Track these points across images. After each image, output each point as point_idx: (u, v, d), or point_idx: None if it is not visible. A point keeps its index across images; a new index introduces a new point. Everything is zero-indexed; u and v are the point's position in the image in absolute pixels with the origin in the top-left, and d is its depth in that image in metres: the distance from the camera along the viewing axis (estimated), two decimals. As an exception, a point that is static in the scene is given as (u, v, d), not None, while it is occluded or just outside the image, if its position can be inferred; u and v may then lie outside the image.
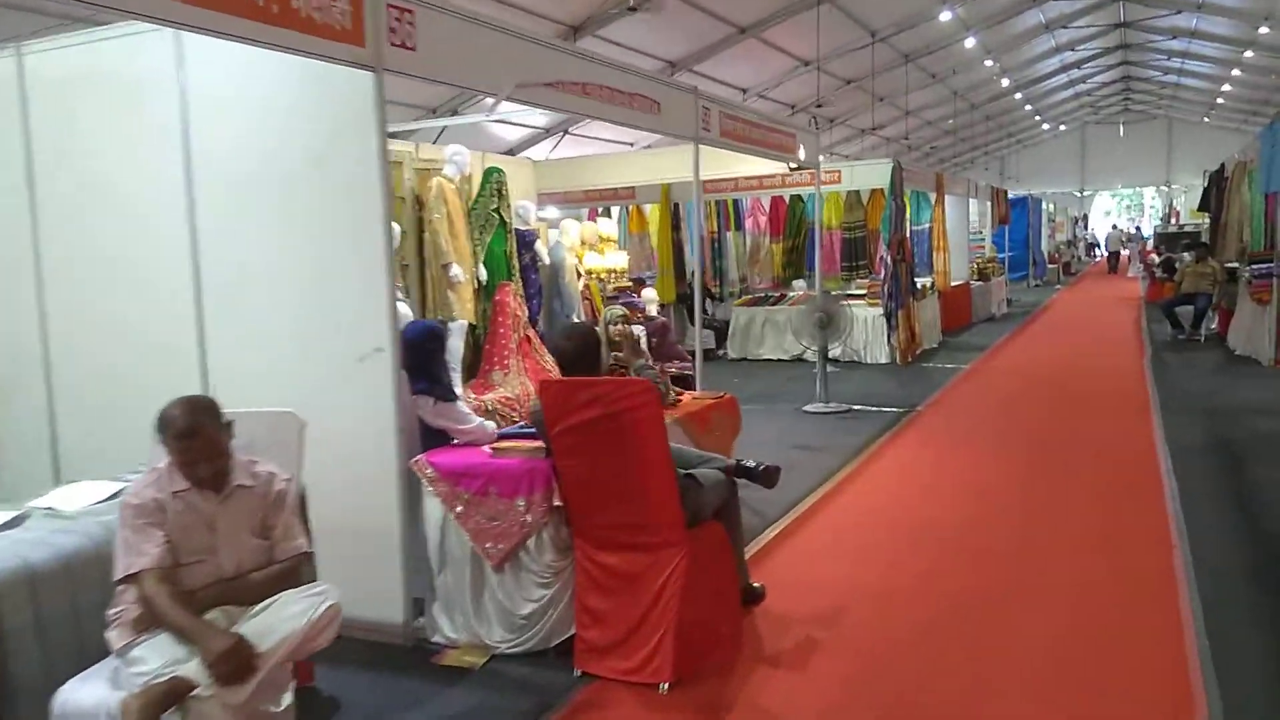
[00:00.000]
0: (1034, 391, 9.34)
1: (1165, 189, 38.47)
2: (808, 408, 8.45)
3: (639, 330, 5.97)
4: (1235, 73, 28.32)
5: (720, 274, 13.49)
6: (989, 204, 17.31)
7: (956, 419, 8.08)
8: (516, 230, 8.15)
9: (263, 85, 3.79)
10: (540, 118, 17.33)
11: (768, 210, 14.26)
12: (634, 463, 3.23)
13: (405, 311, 5.11)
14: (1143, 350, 11.46)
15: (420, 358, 3.82)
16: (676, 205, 12.59)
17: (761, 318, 12.07)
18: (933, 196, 13.33)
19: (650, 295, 9.28)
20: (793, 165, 8.35)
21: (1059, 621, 3.77)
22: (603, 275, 8.76)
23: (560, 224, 8.66)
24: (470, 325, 7.30)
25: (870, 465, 6.44)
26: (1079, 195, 40.79)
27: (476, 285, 7.59)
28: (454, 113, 18.91)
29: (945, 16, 21.20)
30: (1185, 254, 16.89)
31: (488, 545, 3.53)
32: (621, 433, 3.20)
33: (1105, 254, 30.81)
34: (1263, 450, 6.36)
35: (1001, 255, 18.87)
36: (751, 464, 3.84)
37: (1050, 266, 25.13)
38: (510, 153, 16.97)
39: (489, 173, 7.73)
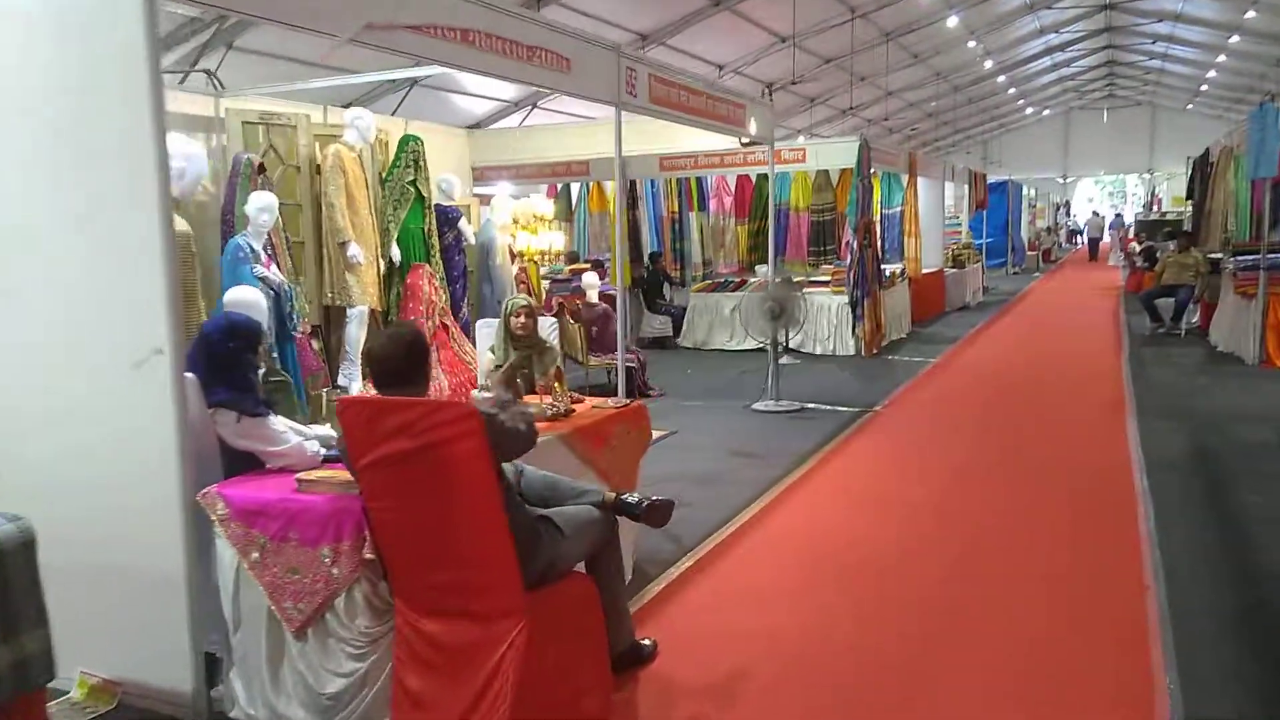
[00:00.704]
0: (1003, 389, 8.62)
1: (1148, 176, 37.93)
2: (757, 406, 7.71)
3: (548, 324, 5.16)
4: (1221, 59, 27.68)
5: (681, 257, 12.70)
6: (966, 188, 16.56)
7: (917, 421, 7.36)
8: (438, 206, 7.35)
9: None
10: (506, 89, 16.42)
11: (733, 190, 13.47)
12: (454, 510, 2.47)
13: (250, 299, 4.30)
14: (1120, 344, 10.78)
15: (221, 361, 3.03)
16: (633, 183, 11.78)
17: (720, 304, 11.30)
18: (905, 179, 12.57)
19: (591, 280, 8.50)
20: (744, 140, 7.58)
21: (1006, 690, 3.05)
22: (534, 257, 7.96)
23: (491, 201, 7.84)
24: (379, 311, 6.51)
25: (813, 477, 5.70)
26: (1062, 181, 40.21)
27: (387, 266, 6.81)
28: (414, 82, 18.05)
29: (928, -7, 20.36)
30: (1167, 243, 16.24)
31: (287, 605, 2.76)
32: (437, 471, 2.44)
33: (1088, 240, 30.26)
34: (1247, 467, 5.66)
35: (979, 241, 18.16)
36: (633, 499, 3.09)
37: (1030, 253, 24.46)
38: (477, 126, 16.05)
39: (404, 141, 6.91)
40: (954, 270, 14.91)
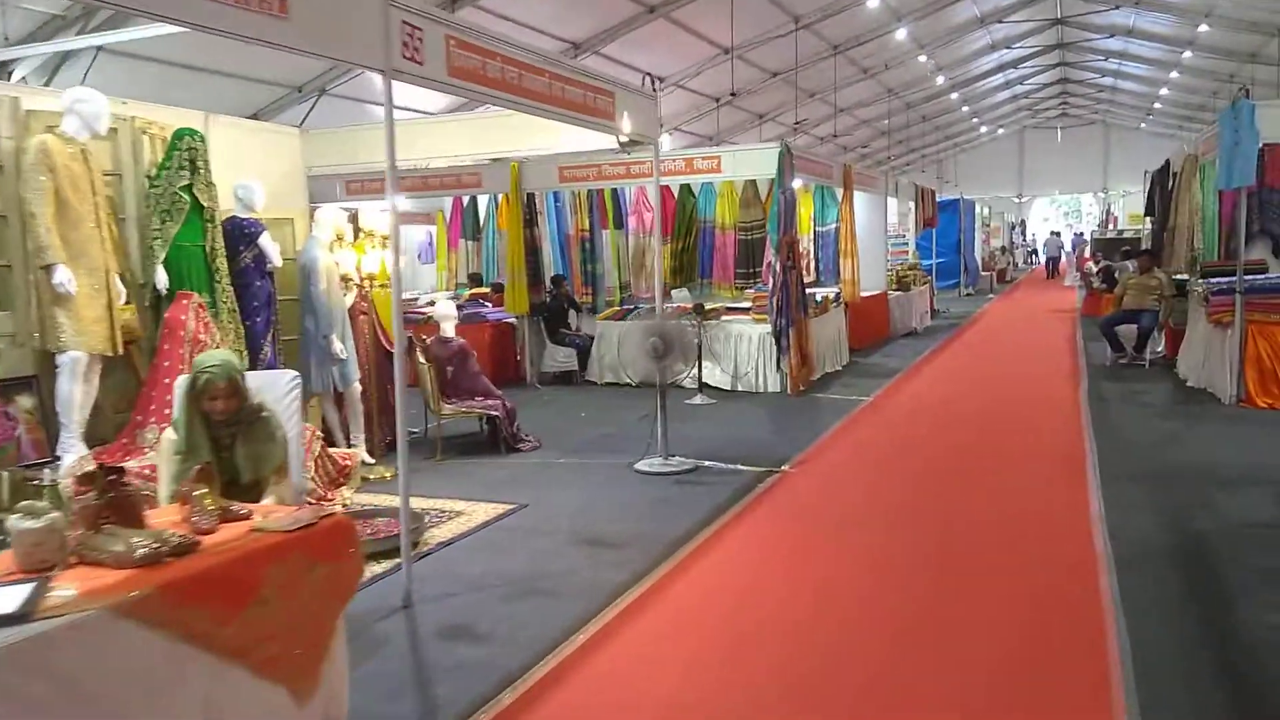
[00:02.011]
0: (943, 439, 7.17)
1: (1102, 195, 37.31)
2: (641, 465, 6.18)
3: (257, 388, 3.57)
4: (1173, 75, 26.93)
5: (594, 280, 11.18)
6: (913, 204, 15.25)
7: (833, 486, 5.88)
8: (233, 220, 5.78)
9: None
10: (438, 99, 14.82)
11: (654, 206, 11.99)
12: None
13: None
14: (1079, 377, 9.41)
15: None
16: (531, 196, 10.28)
17: (631, 334, 9.79)
18: (840, 193, 11.19)
19: (445, 311, 6.95)
20: (622, 140, 6.11)
21: None
22: (381, 281, 6.40)
23: (315, 213, 6.27)
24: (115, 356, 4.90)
25: (675, 584, 4.17)
26: (1017, 201, 39.52)
27: (153, 295, 5.23)
28: (322, 91, 16.48)
29: (873, 3, 19.17)
30: (1126, 262, 15.02)
31: None
32: None
33: (1044, 260, 29.45)
34: (1250, 565, 4.22)
35: (929, 262, 16.86)
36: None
37: (983, 274, 23.27)
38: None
39: (178, 136, 5.34)
40: (898, 293, 13.54)
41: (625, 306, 10.44)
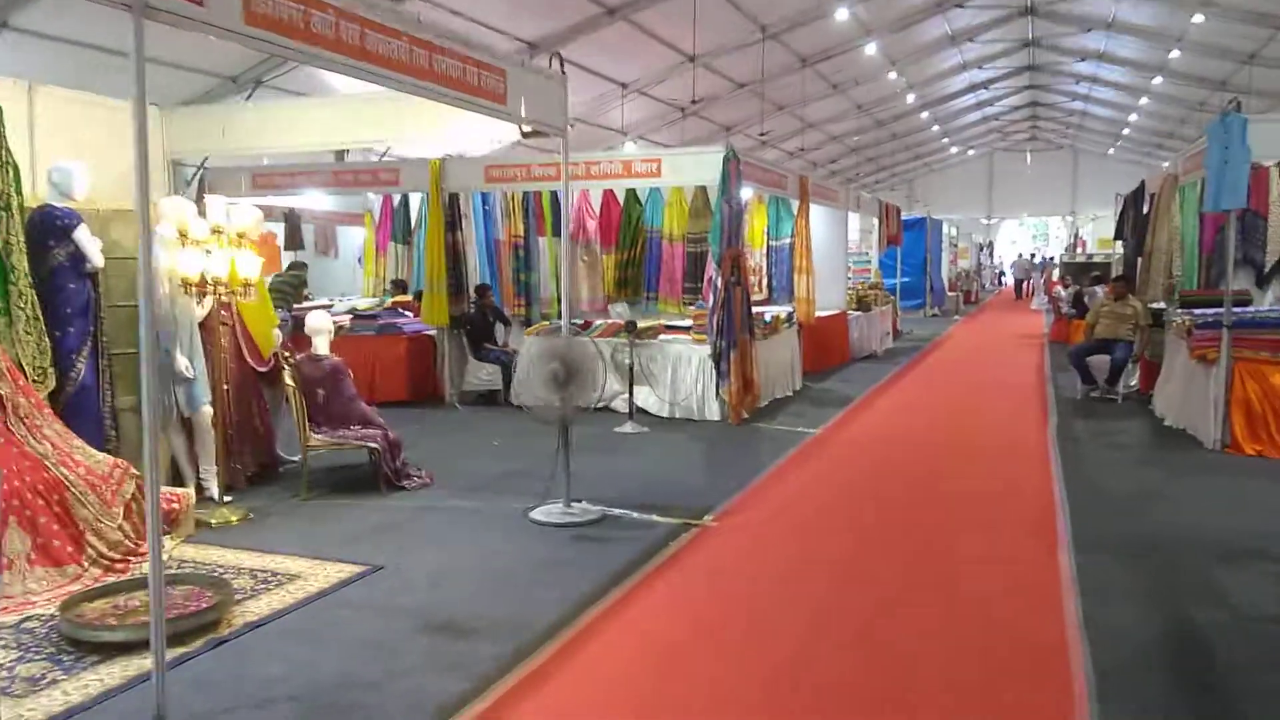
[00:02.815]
0: (893, 485, 6.23)
1: (1070, 218, 37.05)
2: (538, 513, 5.18)
3: None
4: (1143, 101, 26.50)
5: (528, 291, 10.18)
6: (876, 221, 14.40)
7: (760, 544, 4.90)
8: (46, 209, 4.73)
9: None
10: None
11: (598, 213, 11.04)
12: None
13: None
14: (1047, 412, 8.55)
15: None
16: (455, 197, 9.26)
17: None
18: (796, 205, 10.29)
19: (319, 323, 5.90)
20: (524, 130, 5.14)
21: None
22: (235, 288, 5.31)
23: (160, 205, 5.22)
24: None
25: (549, 679, 3.18)
26: (986, 222, 39.17)
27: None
28: (258, 82, 15.34)
29: (842, 14, 18.36)
30: (1095, 288, 14.27)
31: None
32: None
33: (1013, 281, 29.37)
34: (1240, 671, 3.29)
35: (893, 281, 16.03)
36: None
37: (950, 294, 22.54)
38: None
39: (-39, 106, 4.28)
40: (858, 313, 12.65)
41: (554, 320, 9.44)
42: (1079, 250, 24.20)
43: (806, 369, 10.60)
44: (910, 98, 27.01)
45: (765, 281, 10.63)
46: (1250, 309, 6.73)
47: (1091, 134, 34.24)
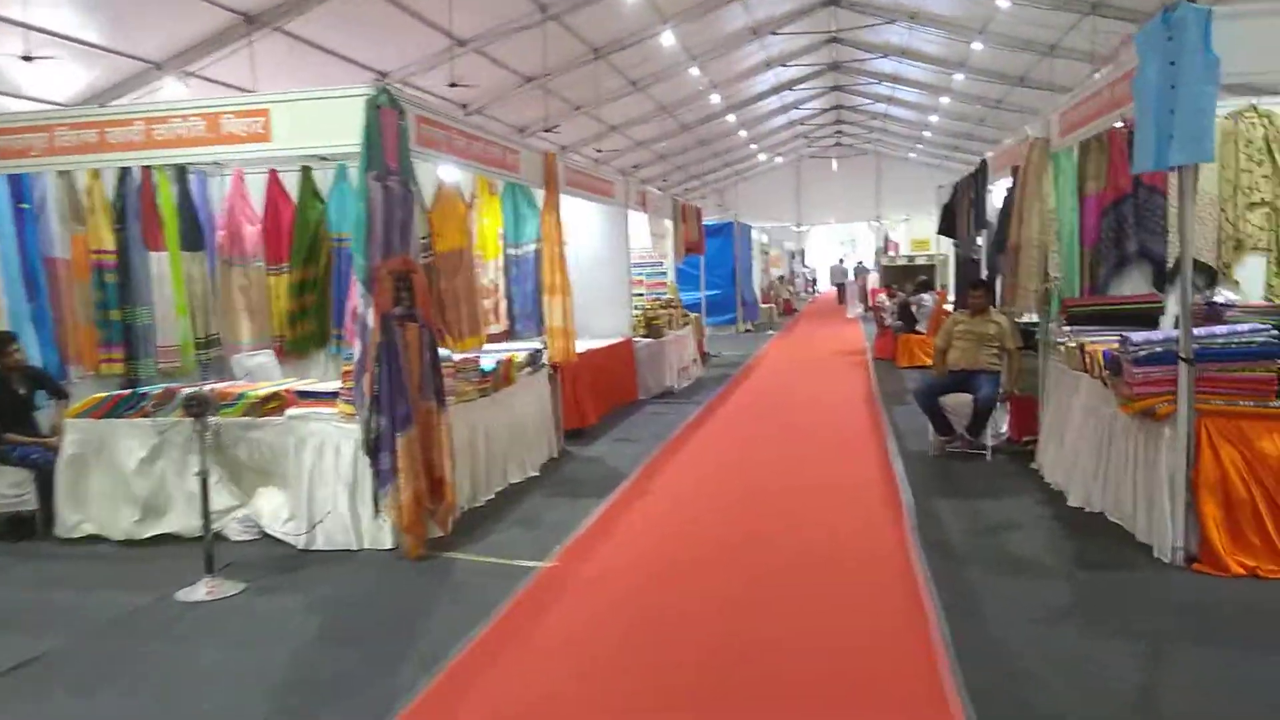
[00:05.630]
0: (664, 680, 3.00)
1: (876, 223, 36.44)
2: None
3: None
4: (943, 100, 25.45)
5: (129, 335, 6.36)
6: (670, 224, 11.41)
7: None
8: None
9: None
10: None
11: (261, 217, 7.37)
12: None
13: None
14: (897, 491, 5.63)
15: None
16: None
17: (126, 443, 5.09)
18: (540, 196, 7.01)
19: None
20: None
21: None
22: None
23: None
24: None
25: None
26: (796, 229, 38.04)
27: None
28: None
29: (626, -9, 15.46)
30: (924, 295, 11.90)
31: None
32: None
33: (834, 287, 28.79)
34: None
35: (695, 295, 13.14)
36: None
37: (764, 305, 20.10)
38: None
39: None
40: (648, 341, 9.54)
41: (164, 388, 5.58)
42: (892, 254, 22.45)
43: (571, 426, 7.36)
44: (715, 98, 24.72)
45: (504, 308, 7.28)
46: (1223, 331, 4.01)
47: (894, 137, 33.77)
